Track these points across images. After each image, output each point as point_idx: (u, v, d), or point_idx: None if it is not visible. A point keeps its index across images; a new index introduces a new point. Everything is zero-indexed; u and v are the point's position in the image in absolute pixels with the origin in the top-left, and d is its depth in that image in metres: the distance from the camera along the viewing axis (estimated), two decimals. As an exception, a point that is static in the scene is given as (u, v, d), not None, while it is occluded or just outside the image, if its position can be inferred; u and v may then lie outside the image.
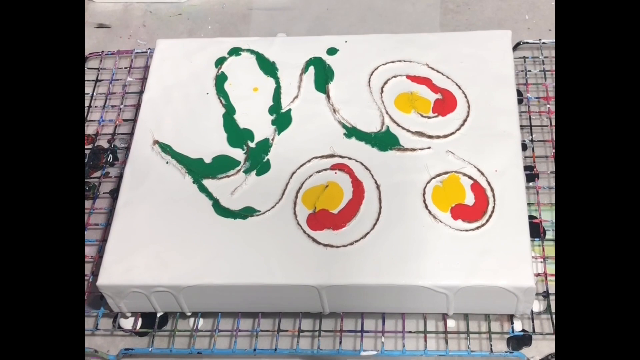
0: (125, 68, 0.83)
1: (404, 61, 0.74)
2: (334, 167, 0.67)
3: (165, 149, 0.70)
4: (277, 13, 0.90)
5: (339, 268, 0.61)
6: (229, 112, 0.72)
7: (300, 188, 0.66)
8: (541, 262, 0.66)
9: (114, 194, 0.74)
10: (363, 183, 0.66)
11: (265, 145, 0.69)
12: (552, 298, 0.64)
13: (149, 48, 0.83)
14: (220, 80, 0.75)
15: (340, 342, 0.63)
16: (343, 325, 0.64)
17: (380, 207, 0.64)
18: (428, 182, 0.65)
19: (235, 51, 0.77)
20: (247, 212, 0.65)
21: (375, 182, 0.66)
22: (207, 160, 0.69)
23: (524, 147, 0.72)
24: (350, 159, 0.68)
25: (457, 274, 0.60)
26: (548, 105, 0.75)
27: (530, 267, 0.60)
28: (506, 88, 0.70)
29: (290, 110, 0.72)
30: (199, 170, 0.68)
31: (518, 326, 0.64)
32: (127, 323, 0.67)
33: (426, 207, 0.64)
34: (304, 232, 0.63)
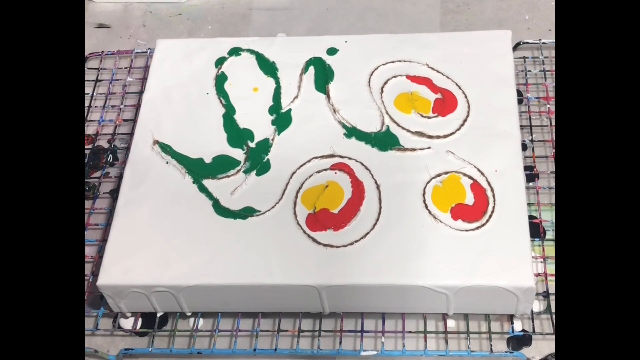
0: (125, 68, 0.83)
1: (404, 61, 0.74)
2: (334, 167, 0.67)
3: (165, 149, 0.70)
4: (277, 13, 0.90)
5: (339, 268, 0.61)
6: (229, 112, 0.72)
7: (300, 188, 0.66)
8: (541, 262, 0.66)
9: (114, 194, 0.74)
10: (363, 183, 0.66)
11: (265, 145, 0.69)
12: (552, 298, 0.64)
13: (149, 48, 0.83)
14: (220, 80, 0.75)
15: (340, 342, 0.63)
16: (343, 325, 0.64)
17: (380, 207, 0.64)
18: (428, 182, 0.65)
19: (235, 51, 0.77)
20: (247, 212, 0.65)
21: (375, 182, 0.66)
22: (207, 160, 0.69)
23: (524, 147, 0.72)
24: (350, 159, 0.68)
25: (457, 274, 0.60)
26: (548, 105, 0.75)
27: (530, 267, 0.60)
28: (506, 88, 0.70)
29: (290, 110, 0.72)
30: (199, 170, 0.68)
31: (518, 326, 0.64)
32: (127, 323, 0.67)
33: (426, 207, 0.64)
34: (304, 232, 0.63)
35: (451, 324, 0.65)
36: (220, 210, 0.66)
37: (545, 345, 0.64)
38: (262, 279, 0.61)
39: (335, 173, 0.67)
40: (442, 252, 0.61)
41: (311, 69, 0.74)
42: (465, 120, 0.69)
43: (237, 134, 0.70)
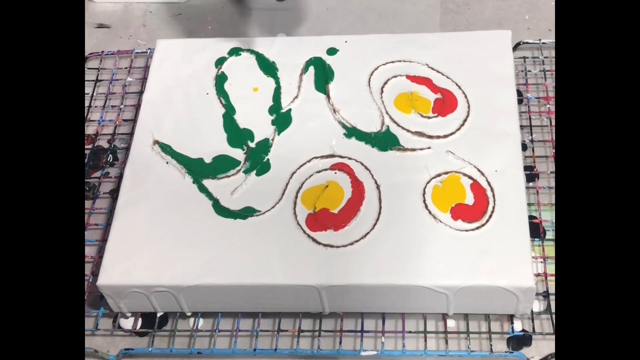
0: (125, 68, 0.83)
1: (404, 61, 0.74)
2: (334, 167, 0.67)
3: (165, 149, 0.70)
4: (277, 13, 0.90)
5: (339, 268, 0.61)
6: (229, 112, 0.72)
7: (300, 188, 0.66)
8: (541, 262, 0.66)
9: (114, 194, 0.74)
10: (363, 183, 0.66)
11: (265, 145, 0.69)
12: (552, 298, 0.64)
13: (149, 48, 0.83)
14: (220, 80, 0.75)
15: (340, 342, 0.63)
16: (343, 325, 0.64)
17: (380, 207, 0.64)
18: (428, 182, 0.65)
19: (235, 51, 0.77)
20: (247, 212, 0.65)
21: (375, 182, 0.66)
22: (207, 160, 0.69)
23: (524, 147, 0.72)
24: (350, 159, 0.68)
25: (457, 274, 0.60)
26: (548, 105, 0.75)
27: (530, 267, 0.60)
28: (506, 88, 0.70)
29: (290, 110, 0.72)
30: (199, 170, 0.68)
31: (518, 326, 0.64)
32: (127, 323, 0.67)
33: (426, 207, 0.64)
34: (304, 232, 0.63)
35: (451, 324, 0.65)
36: (220, 210, 0.66)
37: (545, 345, 0.64)
38: (262, 279, 0.62)
39: (335, 173, 0.67)
40: (442, 252, 0.61)
41: (311, 69, 0.74)
42: (465, 120, 0.69)
43: (237, 134, 0.70)
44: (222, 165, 0.69)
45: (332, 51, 0.75)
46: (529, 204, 0.66)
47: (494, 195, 0.64)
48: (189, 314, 0.66)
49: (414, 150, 0.67)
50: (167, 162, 0.69)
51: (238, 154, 0.69)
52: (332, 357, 0.64)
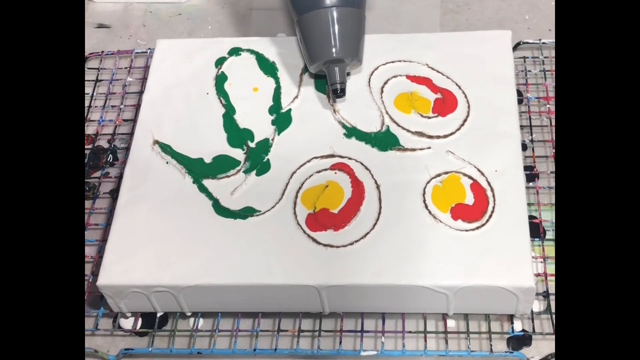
0: (125, 68, 0.83)
1: (404, 61, 0.74)
2: (334, 167, 0.67)
3: (165, 149, 0.70)
4: (277, 13, 0.90)
5: (339, 268, 0.61)
6: (229, 112, 0.72)
7: (300, 188, 0.66)
8: (541, 262, 0.66)
9: (114, 194, 0.74)
10: (363, 183, 0.66)
11: (265, 145, 0.69)
12: (552, 298, 0.64)
13: (149, 48, 0.83)
14: (220, 80, 0.75)
15: (340, 342, 0.63)
16: (343, 325, 0.64)
17: (380, 207, 0.64)
18: (428, 182, 0.65)
19: (235, 51, 0.77)
20: (247, 212, 0.65)
21: (375, 182, 0.66)
22: (207, 160, 0.69)
23: (524, 147, 0.72)
24: (350, 159, 0.68)
25: (457, 274, 0.60)
26: (548, 105, 0.75)
27: (530, 267, 0.60)
28: (506, 88, 0.70)
29: (290, 110, 0.72)
30: (199, 170, 0.68)
31: (518, 326, 0.64)
32: (127, 323, 0.67)
33: (426, 207, 0.64)
34: (304, 232, 0.63)
35: (451, 324, 0.65)
36: (220, 210, 0.66)
37: (545, 345, 0.64)
38: (262, 279, 0.62)
39: (335, 173, 0.67)
40: (442, 252, 0.61)
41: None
42: (465, 120, 0.69)
43: (237, 134, 0.70)
44: (222, 165, 0.69)
45: (332, 51, 0.75)
46: (529, 204, 0.66)
47: (494, 195, 0.64)
48: (189, 314, 0.66)
49: (414, 150, 0.67)
50: (167, 162, 0.69)
51: (238, 154, 0.69)
52: (332, 357, 0.64)
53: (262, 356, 0.64)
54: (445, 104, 0.70)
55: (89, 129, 0.80)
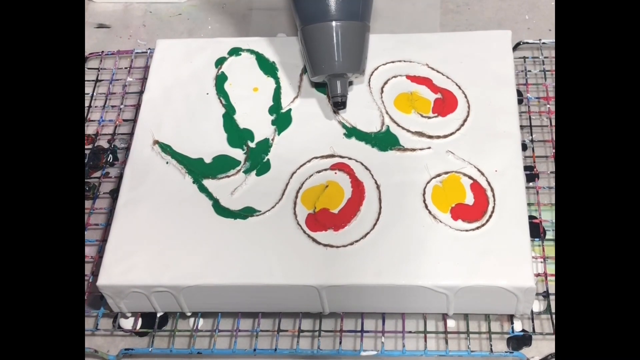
0: (125, 68, 0.83)
1: (404, 61, 0.74)
2: (334, 167, 0.67)
3: (165, 149, 0.70)
4: (277, 13, 0.90)
5: (339, 268, 0.61)
6: (229, 112, 0.72)
7: (300, 188, 0.66)
8: (541, 262, 0.66)
9: (114, 194, 0.74)
10: (363, 183, 0.66)
11: (265, 145, 0.69)
12: (552, 298, 0.64)
13: (149, 48, 0.83)
14: (220, 80, 0.75)
15: (340, 342, 0.63)
16: (343, 325, 0.64)
17: (380, 207, 0.64)
18: (428, 182, 0.65)
19: (235, 51, 0.77)
20: (247, 212, 0.65)
21: (375, 182, 0.66)
22: (207, 160, 0.69)
23: (524, 147, 0.72)
24: (350, 159, 0.68)
25: (457, 274, 0.60)
26: (548, 105, 0.75)
27: (530, 267, 0.60)
28: (506, 88, 0.70)
29: (290, 110, 0.72)
30: (199, 170, 0.68)
31: (518, 326, 0.64)
32: (127, 323, 0.67)
33: (426, 207, 0.64)
34: (304, 232, 0.63)
35: (451, 324, 0.65)
36: (220, 210, 0.66)
37: (545, 345, 0.64)
38: (262, 279, 0.62)
39: (335, 173, 0.67)
40: (442, 252, 0.61)
41: (311, 69, 0.74)
42: (465, 120, 0.69)
43: (237, 134, 0.70)
44: (222, 165, 0.69)
45: (332, 51, 0.75)
46: (529, 204, 0.66)
47: (494, 195, 0.64)
48: (189, 314, 0.66)
49: (414, 150, 0.67)
50: (167, 162, 0.69)
51: (238, 154, 0.69)
52: (332, 357, 0.64)
53: (262, 356, 0.64)
54: (445, 104, 0.70)
55: (89, 129, 0.80)
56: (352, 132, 0.69)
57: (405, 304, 0.63)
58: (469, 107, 0.70)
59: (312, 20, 0.67)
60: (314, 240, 0.63)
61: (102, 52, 0.85)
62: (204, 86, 0.74)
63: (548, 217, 0.69)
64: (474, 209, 0.63)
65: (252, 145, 0.70)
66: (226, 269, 0.62)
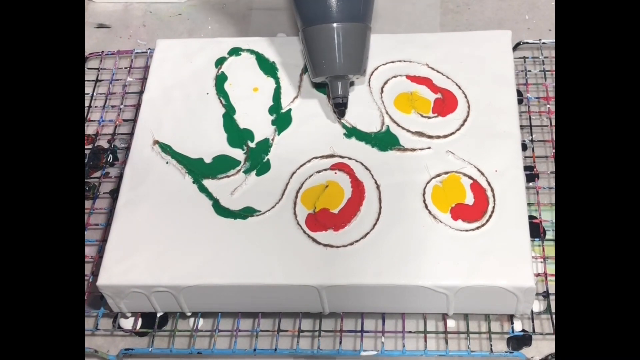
0: (125, 68, 0.83)
1: (404, 61, 0.74)
2: (334, 167, 0.67)
3: (165, 149, 0.70)
4: (277, 13, 0.90)
5: (339, 268, 0.61)
6: (229, 112, 0.72)
7: (300, 188, 0.66)
8: (541, 262, 0.66)
9: (114, 194, 0.74)
10: (363, 183, 0.66)
11: (265, 145, 0.69)
12: (552, 298, 0.64)
13: (149, 48, 0.83)
14: (220, 80, 0.75)
15: (340, 342, 0.63)
16: (343, 325, 0.64)
17: (380, 207, 0.64)
18: (428, 182, 0.65)
19: (235, 51, 0.77)
20: (247, 212, 0.65)
21: (375, 182, 0.66)
22: (207, 160, 0.69)
23: (524, 147, 0.72)
24: (350, 159, 0.68)
25: (457, 274, 0.60)
26: (548, 105, 0.75)
27: (530, 267, 0.60)
28: (506, 88, 0.70)
29: (290, 110, 0.72)
30: (199, 170, 0.68)
31: (518, 326, 0.64)
32: (127, 323, 0.67)
33: (426, 207, 0.64)
34: (304, 232, 0.63)
35: (451, 324, 0.65)
36: (220, 210, 0.66)
37: (545, 345, 0.64)
38: (262, 279, 0.62)
39: (335, 173, 0.67)
40: (442, 252, 0.61)
41: (311, 69, 0.74)
42: (465, 120, 0.69)
43: (237, 134, 0.70)
44: (222, 165, 0.69)
45: (332, 51, 0.75)
46: (529, 204, 0.66)
47: (494, 195, 0.64)
48: (189, 314, 0.66)
49: (414, 150, 0.67)
50: (167, 162, 0.69)
51: (238, 154, 0.69)
52: (332, 357, 0.64)
53: (262, 356, 0.64)
54: (445, 104, 0.70)
55: (89, 129, 0.80)
56: (352, 132, 0.69)
57: (405, 304, 0.63)
58: (469, 107, 0.70)
59: (313, 22, 0.67)
60: (314, 240, 0.63)
61: (102, 52, 0.85)
62: (204, 86, 0.74)
63: (548, 217, 0.69)
64: (474, 209, 0.63)
65: (252, 145, 0.70)
66: (226, 269, 0.62)
